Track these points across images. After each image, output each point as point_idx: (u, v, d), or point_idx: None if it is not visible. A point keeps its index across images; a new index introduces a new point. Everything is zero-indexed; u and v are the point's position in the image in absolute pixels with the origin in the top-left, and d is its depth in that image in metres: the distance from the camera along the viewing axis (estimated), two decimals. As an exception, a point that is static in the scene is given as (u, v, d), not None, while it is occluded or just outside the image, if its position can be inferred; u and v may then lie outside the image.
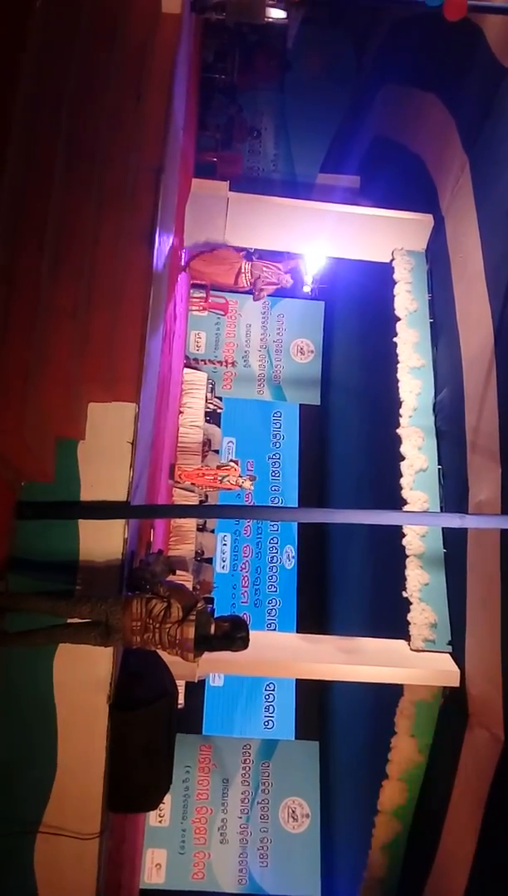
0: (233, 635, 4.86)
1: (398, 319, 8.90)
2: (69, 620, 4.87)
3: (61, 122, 4.90)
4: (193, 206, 9.38)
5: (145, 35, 6.37)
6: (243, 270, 10.02)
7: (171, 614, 4.76)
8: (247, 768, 11.95)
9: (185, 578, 9.26)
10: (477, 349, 7.43)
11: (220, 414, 12.80)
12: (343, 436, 12.74)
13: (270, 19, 10.81)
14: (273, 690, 12.34)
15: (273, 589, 12.96)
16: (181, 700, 9.87)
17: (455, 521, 5.85)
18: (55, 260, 4.93)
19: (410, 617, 7.49)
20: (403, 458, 8.14)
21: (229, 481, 10.12)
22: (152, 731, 5.39)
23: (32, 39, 4.39)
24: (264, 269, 9.97)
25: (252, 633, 4.96)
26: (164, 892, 11.13)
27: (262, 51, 14.13)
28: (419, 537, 7.74)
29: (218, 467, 10.45)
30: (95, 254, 5.38)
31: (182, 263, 9.72)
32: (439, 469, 8.10)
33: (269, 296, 13.31)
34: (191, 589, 7.64)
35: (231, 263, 10.01)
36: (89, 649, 4.87)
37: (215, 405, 12.52)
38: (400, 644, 7.51)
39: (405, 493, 7.94)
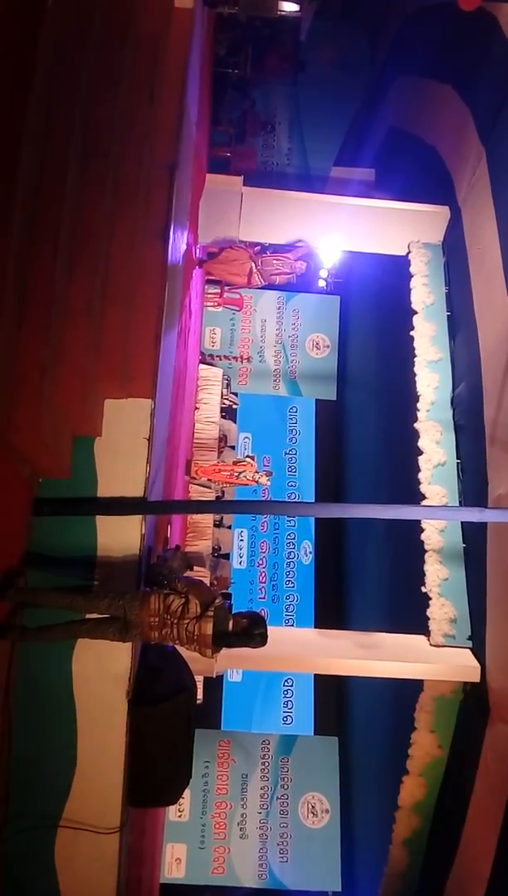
0: (251, 632, 4.86)
1: (415, 313, 8.84)
2: (87, 616, 4.89)
3: (75, 120, 4.91)
4: (207, 202, 9.37)
5: (158, 31, 6.36)
6: (253, 270, 10.09)
7: (189, 610, 4.77)
8: (266, 763, 11.96)
9: (202, 574, 9.28)
10: (496, 342, 7.36)
11: (236, 410, 12.79)
12: (360, 430, 12.69)
13: (282, 12, 10.78)
14: (292, 686, 12.33)
15: (291, 584, 12.94)
16: (200, 695, 9.90)
17: (474, 515, 5.83)
18: (70, 258, 4.94)
19: (429, 612, 7.44)
20: (421, 453, 8.09)
21: (245, 477, 10.11)
22: (172, 726, 5.40)
23: (46, 37, 4.40)
24: (275, 261, 9.99)
25: (270, 629, 4.96)
26: (184, 886, 11.17)
27: (274, 50, 14.05)
28: (438, 532, 7.69)
29: (234, 463, 10.45)
30: (110, 251, 5.39)
31: (197, 260, 9.75)
32: (457, 463, 8.04)
33: (284, 290, 13.37)
34: (208, 585, 7.66)
35: (241, 263, 10.07)
36: (108, 644, 4.89)
37: (230, 401, 12.52)
38: (420, 639, 7.47)
39: (423, 488, 7.90)
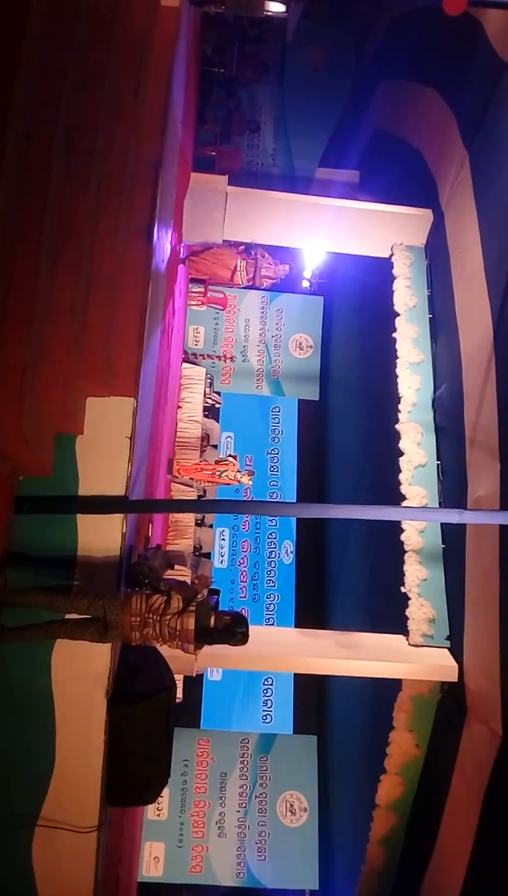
0: (233, 629, 4.88)
1: (398, 315, 8.89)
2: (67, 616, 4.87)
3: (60, 116, 4.88)
4: (191, 201, 9.36)
5: (144, 28, 6.34)
6: (238, 268, 10.14)
7: (171, 605, 4.77)
8: (245, 762, 11.98)
9: (183, 573, 9.26)
10: (477, 345, 7.42)
11: (218, 409, 12.79)
12: (342, 431, 12.74)
13: (269, 13, 10.77)
14: (271, 685, 12.37)
15: (272, 584, 12.97)
16: (180, 694, 9.90)
17: (453, 516, 5.85)
18: (53, 255, 4.92)
19: (408, 612, 7.50)
20: (402, 454, 8.14)
21: (227, 476, 10.12)
22: (151, 725, 5.40)
23: (31, 33, 4.38)
24: (260, 260, 10.05)
25: (251, 628, 4.98)
26: (162, 885, 11.17)
27: (245, 59, 14.06)
28: (418, 532, 7.74)
29: (216, 462, 10.45)
30: (94, 248, 5.37)
31: (181, 258, 9.74)
32: (438, 465, 8.10)
33: (268, 290, 13.41)
34: (189, 584, 7.65)
35: (228, 260, 10.10)
36: (87, 645, 4.88)
37: (213, 400, 12.51)
38: (399, 639, 7.52)
39: (403, 489, 7.95)
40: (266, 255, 10.43)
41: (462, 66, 8.37)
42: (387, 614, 8.12)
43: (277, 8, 11.15)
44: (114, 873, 6.30)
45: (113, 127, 5.70)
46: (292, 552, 13.18)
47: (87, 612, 4.77)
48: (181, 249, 9.69)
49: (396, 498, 7.92)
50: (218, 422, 12.62)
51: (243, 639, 4.91)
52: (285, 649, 7.70)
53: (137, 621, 4.74)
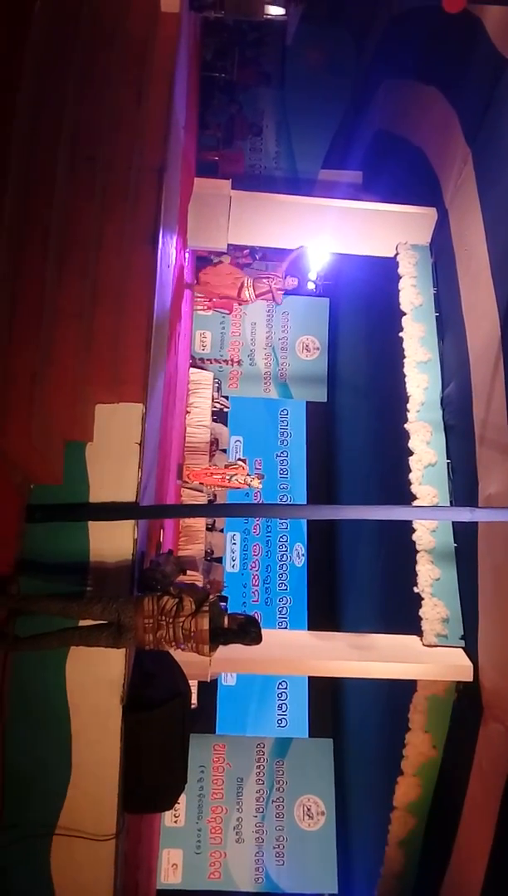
0: (247, 627, 4.88)
1: (404, 314, 8.87)
2: (81, 622, 4.87)
3: (63, 124, 4.90)
4: (195, 206, 9.37)
5: (145, 35, 6.36)
6: (245, 285, 10.20)
7: (183, 608, 4.77)
8: (261, 767, 11.94)
9: (195, 578, 9.27)
10: (484, 342, 7.39)
11: (227, 413, 12.80)
12: (351, 432, 12.72)
13: (268, 16, 10.81)
14: (286, 688, 12.33)
15: (284, 587, 12.94)
16: (194, 700, 9.87)
17: (465, 514, 5.82)
18: (59, 262, 4.93)
19: (422, 612, 7.46)
20: (411, 453, 8.11)
21: (237, 480, 10.11)
22: (167, 731, 5.38)
23: (32, 42, 4.39)
24: (267, 278, 10.11)
25: (264, 632, 4.97)
26: (181, 892, 11.13)
27: (246, 63, 14.10)
28: (430, 532, 7.71)
29: (226, 466, 10.46)
30: (100, 255, 5.38)
31: (187, 281, 9.79)
32: (448, 463, 8.07)
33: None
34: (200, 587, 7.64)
35: (234, 278, 10.18)
36: (102, 651, 4.87)
37: (221, 404, 12.52)
38: (413, 640, 7.49)
39: (414, 489, 7.92)
40: (270, 274, 10.52)
41: (462, 64, 8.36)
42: (400, 615, 8.08)
43: (276, 11, 11.19)
44: (133, 881, 6.29)
45: (116, 134, 5.72)
46: (303, 555, 13.15)
47: (101, 617, 4.76)
48: (186, 255, 9.71)
49: (406, 497, 7.90)
50: (227, 426, 12.62)
51: (257, 637, 4.90)
52: (298, 652, 7.68)
53: (151, 623, 4.73)
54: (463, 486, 7.70)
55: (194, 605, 4.79)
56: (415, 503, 7.81)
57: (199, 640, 4.76)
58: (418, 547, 7.68)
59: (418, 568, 7.63)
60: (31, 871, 5.01)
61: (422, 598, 7.51)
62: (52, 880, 5.05)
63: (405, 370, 8.56)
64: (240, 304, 11.16)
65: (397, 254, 9.39)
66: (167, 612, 4.75)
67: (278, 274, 10.25)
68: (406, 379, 8.51)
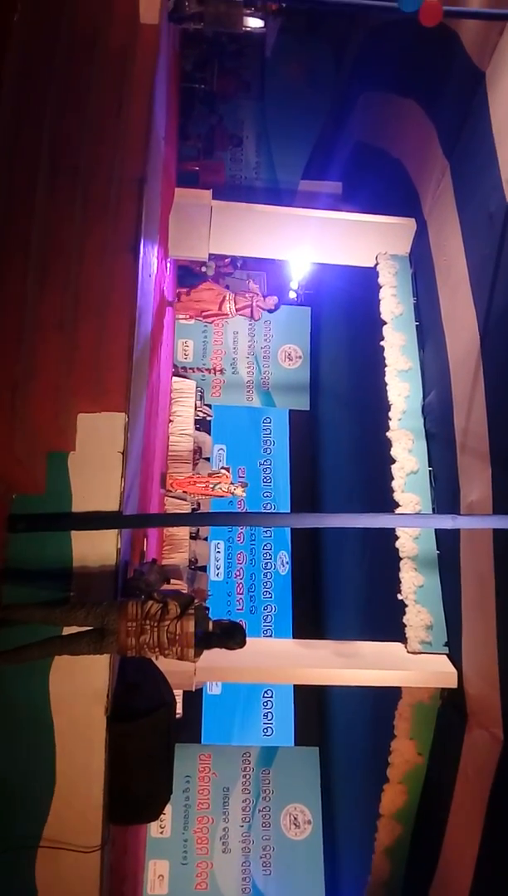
0: (231, 632, 4.89)
1: (385, 323, 8.94)
2: (64, 631, 4.86)
3: (43, 136, 4.92)
4: (176, 216, 9.40)
5: (124, 46, 6.40)
6: (227, 299, 10.38)
7: (169, 611, 4.77)
8: (247, 776, 11.91)
9: (179, 587, 9.25)
10: (464, 351, 7.47)
11: (209, 421, 12.82)
12: (334, 440, 12.77)
13: (248, 28, 10.91)
14: (271, 697, 12.31)
15: (268, 595, 12.94)
16: (179, 709, 9.84)
17: (447, 522, 5.86)
18: (41, 272, 4.94)
19: (406, 619, 7.49)
20: (394, 461, 8.16)
21: (220, 488, 10.13)
22: (151, 741, 5.37)
23: (12, 54, 4.41)
24: (250, 294, 10.31)
25: (249, 640, 4.97)
26: (167, 903, 11.07)
27: (226, 74, 14.22)
28: (413, 539, 7.75)
29: (209, 475, 10.47)
30: (81, 265, 5.40)
31: (170, 300, 9.92)
32: (430, 471, 8.13)
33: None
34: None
35: (216, 293, 10.31)
36: (86, 661, 4.85)
37: (204, 413, 12.54)
38: (397, 647, 7.51)
39: (396, 496, 7.96)
40: (257, 290, 10.72)
41: (440, 77, 8.47)
42: (385, 622, 8.11)
43: (255, 24, 11.31)
44: (118, 892, 6.25)
45: (96, 145, 5.74)
46: (287, 563, 13.16)
47: (84, 622, 4.75)
48: (168, 266, 9.75)
49: (389, 505, 7.94)
50: (210, 434, 12.64)
51: (241, 642, 4.91)
52: (283, 661, 7.67)
53: (134, 627, 4.72)
54: (445, 494, 7.76)
55: (180, 608, 4.79)
56: (398, 511, 7.86)
57: (184, 643, 4.76)
58: (401, 554, 7.72)
59: (401, 575, 7.66)
60: (16, 883, 4.97)
61: (406, 606, 7.54)
62: (38, 892, 5.01)
63: (387, 379, 8.62)
64: (220, 318, 11.31)
65: (377, 264, 9.47)
66: (152, 617, 4.75)
67: (258, 291, 10.45)
68: (388, 387, 8.57)
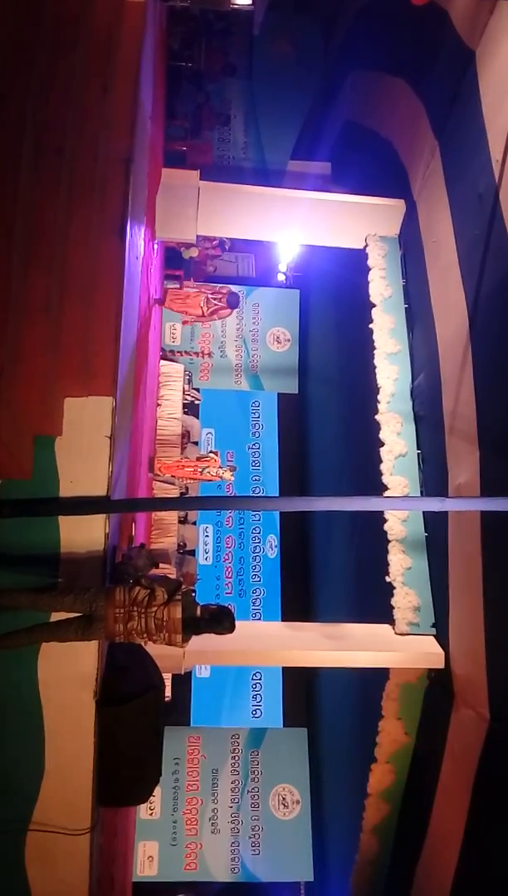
0: (220, 617, 4.89)
1: (374, 306, 8.90)
2: (52, 618, 4.84)
3: (27, 116, 4.84)
4: (164, 196, 9.30)
5: (110, 24, 6.29)
6: (205, 301, 10.62)
7: (156, 597, 4.76)
8: (236, 757, 12.00)
9: (168, 571, 9.25)
10: (453, 333, 7.46)
11: (198, 405, 12.77)
12: (322, 423, 12.77)
13: (235, 5, 10.77)
14: (260, 679, 12.39)
15: (257, 578, 12.99)
16: (168, 693, 9.88)
17: (435, 504, 5.90)
18: (26, 255, 4.88)
19: (394, 601, 7.53)
20: (382, 444, 8.16)
21: (209, 472, 10.11)
22: (140, 724, 5.38)
23: (-6, 30, 4.33)
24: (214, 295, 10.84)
25: (238, 623, 4.98)
26: (157, 884, 11.17)
27: (213, 53, 14.05)
28: (401, 522, 7.77)
29: (198, 459, 10.44)
30: (67, 247, 5.33)
31: (157, 297, 10.13)
32: (418, 454, 8.14)
33: (244, 284, 13.64)
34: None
35: (195, 297, 10.87)
36: (74, 646, 4.85)
37: (192, 396, 12.48)
38: (385, 628, 7.56)
39: (385, 479, 7.97)
40: (216, 292, 11.13)
41: (429, 56, 8.38)
42: (373, 604, 8.15)
43: (242, 1, 11.13)
44: (108, 874, 6.29)
45: (82, 125, 5.66)
46: (276, 546, 13.20)
47: (72, 608, 4.74)
48: (155, 247, 9.67)
49: (378, 488, 7.95)
50: (198, 418, 12.59)
51: (230, 627, 4.91)
52: (272, 643, 7.71)
53: (121, 613, 4.72)
54: (434, 476, 7.78)
55: (167, 594, 4.79)
56: (386, 493, 7.87)
57: (171, 629, 4.76)
58: (389, 537, 7.75)
59: (389, 557, 7.69)
60: (6, 866, 5.00)
61: (394, 588, 7.58)
62: (28, 875, 5.04)
63: (376, 361, 8.60)
64: (202, 320, 11.56)
65: (366, 245, 9.42)
66: (139, 603, 4.74)
67: (225, 293, 10.72)
68: (377, 370, 8.55)
